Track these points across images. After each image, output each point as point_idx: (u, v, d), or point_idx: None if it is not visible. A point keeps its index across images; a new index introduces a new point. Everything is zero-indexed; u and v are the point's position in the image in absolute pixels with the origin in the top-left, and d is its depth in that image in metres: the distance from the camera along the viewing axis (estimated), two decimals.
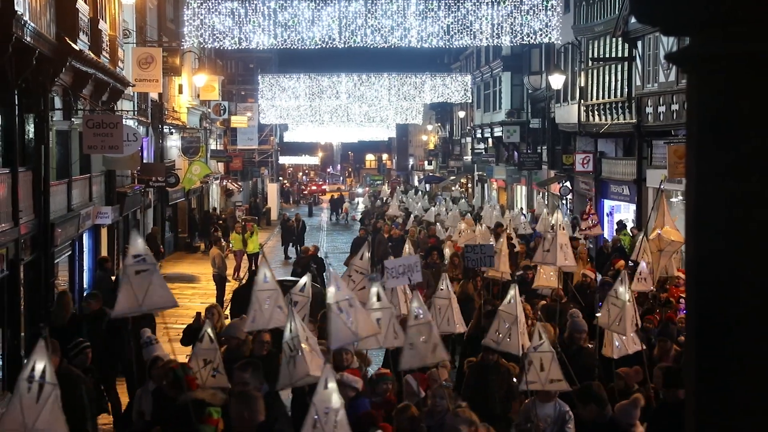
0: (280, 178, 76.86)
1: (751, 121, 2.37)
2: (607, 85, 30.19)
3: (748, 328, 2.38)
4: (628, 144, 29.56)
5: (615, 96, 29.20)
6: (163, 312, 10.88)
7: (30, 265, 17.77)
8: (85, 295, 11.13)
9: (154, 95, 32.48)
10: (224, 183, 51.68)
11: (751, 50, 2.35)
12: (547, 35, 28.87)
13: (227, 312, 16.77)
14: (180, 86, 39.04)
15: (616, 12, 27.88)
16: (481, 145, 55.28)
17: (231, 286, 28.63)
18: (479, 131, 54.25)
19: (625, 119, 27.97)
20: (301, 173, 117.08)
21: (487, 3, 28.48)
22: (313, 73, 50.73)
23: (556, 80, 32.92)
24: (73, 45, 19.02)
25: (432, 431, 8.38)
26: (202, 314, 12.91)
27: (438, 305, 10.81)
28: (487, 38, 29.26)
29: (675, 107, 24.01)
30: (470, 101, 53.68)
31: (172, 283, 27.75)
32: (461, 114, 61.56)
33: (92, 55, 20.78)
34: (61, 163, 20.83)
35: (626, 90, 27.84)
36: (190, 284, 29.58)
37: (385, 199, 48.28)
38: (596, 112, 30.67)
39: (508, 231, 23.86)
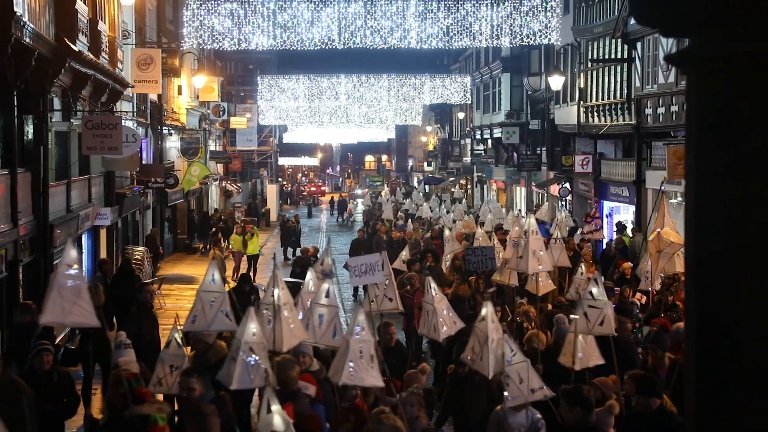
0: (280, 179, 76.88)
1: (750, 122, 2.37)
2: (606, 86, 30.19)
3: (747, 329, 2.38)
4: (627, 145, 29.56)
5: (614, 97, 29.20)
6: (162, 314, 10.89)
7: (29, 266, 17.77)
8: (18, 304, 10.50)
9: (153, 96, 32.48)
10: (223, 184, 51.68)
11: (750, 51, 2.35)
12: (546, 36, 28.89)
13: None
14: (179, 87, 39.04)
15: (616, 13, 27.88)
16: (481, 147, 55.29)
17: (229, 287, 28.62)
18: (479, 132, 54.25)
19: (624, 120, 27.97)
20: (300, 174, 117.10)
21: (487, 4, 28.50)
22: (313, 74, 50.74)
23: (556, 81, 32.93)
24: (73, 46, 19.02)
25: None
26: None
27: (425, 310, 10.68)
28: (486, 39, 29.27)
29: (674, 108, 24.01)
30: (470, 102, 53.68)
31: (172, 285, 27.85)
32: (461, 115, 61.57)
33: (91, 56, 20.78)
34: (60, 164, 20.83)
35: (625, 91, 27.84)
36: (189, 285, 29.55)
37: (386, 200, 48.27)
38: (596, 114, 30.67)
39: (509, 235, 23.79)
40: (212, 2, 28.44)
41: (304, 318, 9.10)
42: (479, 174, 57.29)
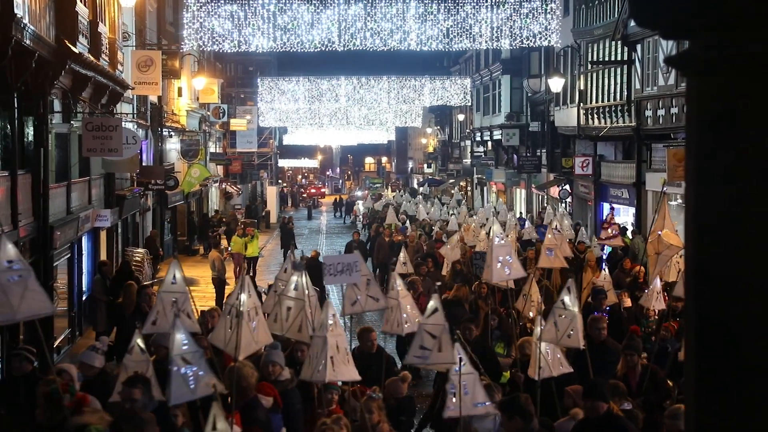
0: (280, 181, 76.89)
1: (750, 123, 2.38)
2: (606, 88, 30.21)
3: (747, 329, 2.39)
4: (627, 147, 29.58)
5: (614, 99, 29.21)
6: None
7: None
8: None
9: (153, 98, 32.49)
10: (223, 186, 51.69)
11: (750, 52, 2.35)
12: (546, 38, 28.90)
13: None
14: (179, 89, 39.06)
15: (616, 15, 27.90)
16: (481, 148, 55.32)
17: (230, 289, 28.63)
18: (478, 134, 54.27)
19: (624, 122, 27.99)
20: (300, 176, 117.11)
21: (487, 6, 28.51)
22: (313, 76, 50.78)
23: (556, 83, 32.94)
24: (73, 48, 19.03)
25: None
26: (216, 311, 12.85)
27: (389, 306, 10.44)
28: (486, 41, 29.29)
29: (674, 110, 24.03)
30: (470, 104, 53.71)
31: None
32: (460, 117, 61.60)
33: (92, 58, 20.79)
34: (61, 165, 20.83)
35: (625, 93, 27.86)
36: (189, 287, 29.52)
37: (389, 203, 48.20)
38: (595, 116, 30.69)
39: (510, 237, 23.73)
40: (212, 4, 28.45)
41: (272, 312, 8.94)
42: (479, 176, 57.32)
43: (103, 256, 24.43)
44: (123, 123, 22.65)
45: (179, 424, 7.95)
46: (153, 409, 8.26)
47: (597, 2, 30.66)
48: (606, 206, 31.62)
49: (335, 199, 73.07)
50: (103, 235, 24.98)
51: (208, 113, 46.39)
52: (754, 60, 2.36)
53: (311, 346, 8.06)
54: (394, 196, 51.04)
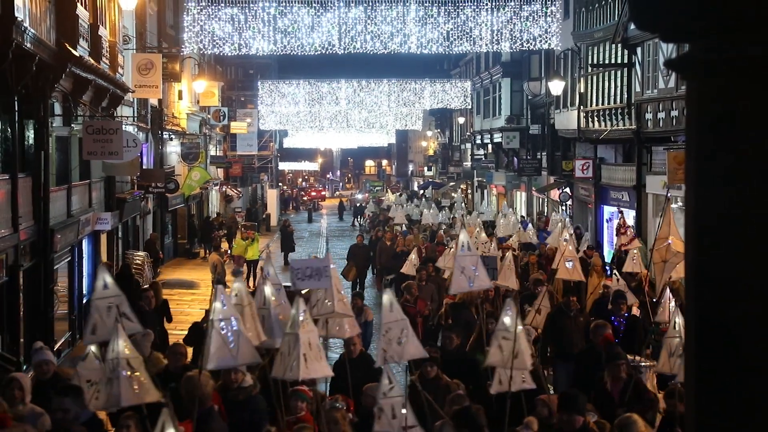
0: (280, 184, 76.89)
1: (750, 125, 2.39)
2: (606, 91, 30.22)
3: (747, 330, 2.40)
4: (627, 150, 29.58)
5: (614, 102, 29.22)
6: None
7: (29, 271, 17.77)
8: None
9: (153, 101, 32.52)
10: (224, 189, 51.70)
11: (749, 55, 2.36)
12: (546, 41, 28.91)
13: None
14: (180, 92, 39.08)
15: (616, 18, 27.91)
16: (481, 151, 55.32)
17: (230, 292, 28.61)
18: (479, 137, 54.29)
19: (624, 125, 27.99)
20: (300, 179, 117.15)
21: (487, 9, 28.52)
22: (313, 79, 50.79)
23: (556, 86, 32.95)
24: (73, 51, 19.04)
25: None
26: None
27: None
28: (486, 44, 29.30)
29: (674, 113, 24.03)
30: (470, 107, 53.73)
31: (172, 289, 27.80)
32: (461, 120, 61.61)
33: (92, 61, 20.80)
34: (61, 169, 20.84)
35: (626, 96, 27.86)
36: (190, 290, 29.57)
37: (396, 204, 48.08)
38: (596, 118, 30.69)
39: (511, 242, 23.57)
40: (213, 7, 28.47)
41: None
42: (479, 179, 57.33)
43: (104, 260, 24.44)
44: (123, 126, 22.66)
45: None
46: (86, 419, 8.13)
47: (597, 5, 30.68)
48: (607, 209, 31.62)
49: (339, 201, 73.03)
50: (103, 238, 24.99)
51: (209, 116, 46.41)
52: (753, 62, 2.37)
53: (282, 344, 7.88)
54: (395, 199, 51.00)
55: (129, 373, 7.29)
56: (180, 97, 39.30)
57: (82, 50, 20.25)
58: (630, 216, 29.07)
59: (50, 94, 18.73)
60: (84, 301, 22.28)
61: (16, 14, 15.17)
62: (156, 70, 28.19)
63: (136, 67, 27.93)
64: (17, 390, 8.86)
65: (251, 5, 28.41)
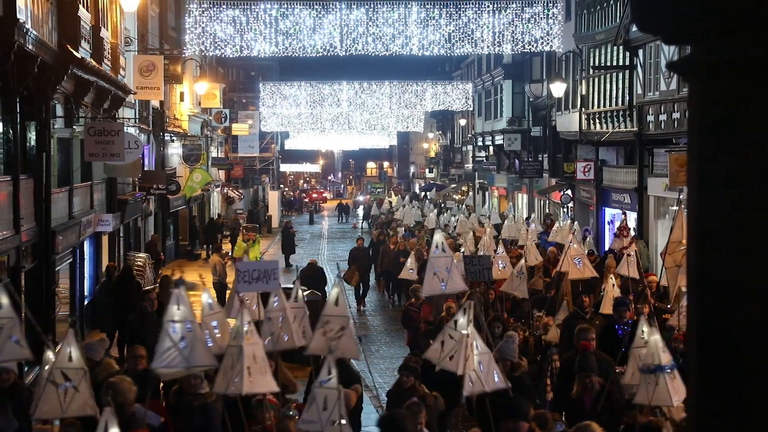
0: (281, 186, 76.89)
1: (751, 127, 2.39)
2: (608, 93, 30.21)
3: (748, 333, 2.40)
4: (629, 152, 29.57)
5: (616, 104, 29.21)
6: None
7: (31, 273, 17.77)
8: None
9: (155, 103, 32.53)
10: (225, 191, 51.72)
11: (751, 57, 2.36)
12: (548, 43, 28.92)
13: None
14: (181, 94, 39.09)
15: (617, 20, 27.91)
16: (482, 153, 55.30)
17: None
18: (480, 139, 54.27)
19: (626, 127, 27.99)
20: (302, 181, 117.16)
21: (489, 11, 28.54)
22: (315, 81, 50.81)
23: (557, 88, 32.94)
24: (75, 53, 19.05)
25: None
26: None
27: (285, 317, 9.45)
28: (488, 46, 29.31)
29: (676, 115, 24.02)
30: (471, 109, 53.72)
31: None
32: (462, 122, 61.60)
33: (94, 63, 20.82)
34: (63, 170, 20.85)
35: (627, 98, 27.85)
36: (191, 292, 29.51)
37: (391, 208, 47.92)
38: (597, 121, 30.69)
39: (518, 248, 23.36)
40: (214, 9, 28.49)
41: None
42: (481, 181, 57.31)
43: (105, 261, 24.45)
44: (125, 128, 22.67)
45: None
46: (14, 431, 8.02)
47: (599, 7, 30.68)
48: (608, 211, 31.61)
49: (338, 203, 73.05)
50: (105, 239, 24.99)
51: (210, 118, 46.44)
52: (755, 64, 2.37)
53: (225, 357, 7.65)
54: (397, 201, 50.96)
55: (64, 383, 7.19)
56: (181, 99, 39.32)
57: (83, 52, 20.26)
58: (632, 218, 29.07)
59: (52, 95, 18.73)
60: (85, 302, 22.29)
61: (18, 16, 15.18)
62: (157, 72, 28.20)
63: (138, 69, 27.94)
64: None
65: (253, 7, 28.44)
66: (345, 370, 10.72)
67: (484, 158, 54.97)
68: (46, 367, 7.23)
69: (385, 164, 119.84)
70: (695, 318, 2.53)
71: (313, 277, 23.33)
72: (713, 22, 2.40)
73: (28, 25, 15.88)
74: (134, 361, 10.38)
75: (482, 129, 53.76)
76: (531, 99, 43.30)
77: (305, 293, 19.08)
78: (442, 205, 50.02)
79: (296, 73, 67.71)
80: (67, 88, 19.81)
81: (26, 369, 10.06)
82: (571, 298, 17.39)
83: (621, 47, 27.80)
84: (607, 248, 27.85)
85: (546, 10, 28.48)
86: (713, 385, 2.45)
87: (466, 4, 28.58)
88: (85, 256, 22.98)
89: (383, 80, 49.57)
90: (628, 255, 17.34)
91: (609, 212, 31.75)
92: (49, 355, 8.43)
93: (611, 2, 29.35)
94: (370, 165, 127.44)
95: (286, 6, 28.49)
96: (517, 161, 45.21)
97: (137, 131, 27.94)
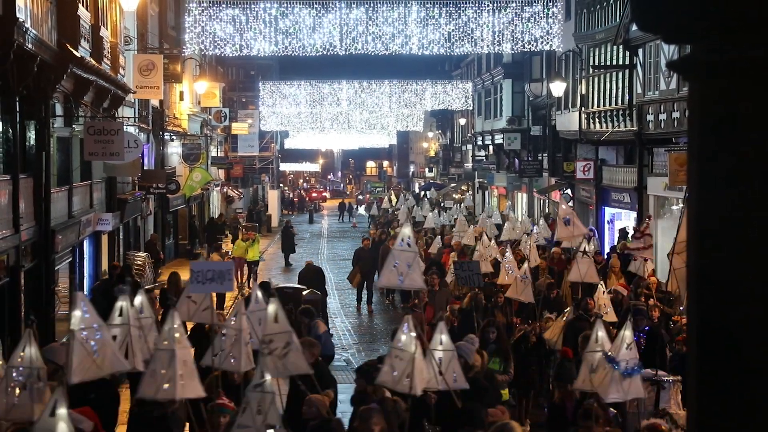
0: (281, 185, 76.88)
1: (751, 126, 2.39)
2: (607, 92, 30.21)
3: (748, 332, 2.39)
4: (628, 151, 29.57)
5: (616, 103, 29.21)
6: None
7: (30, 272, 17.77)
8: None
9: (155, 102, 32.52)
10: (225, 190, 51.72)
11: (751, 56, 2.36)
12: (548, 43, 28.91)
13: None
14: (181, 93, 39.08)
15: (617, 20, 27.91)
16: (482, 153, 55.31)
17: (231, 294, 28.59)
18: (480, 138, 54.28)
19: (626, 127, 27.99)
20: (301, 180, 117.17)
21: (489, 10, 28.52)
22: (314, 80, 50.80)
23: (557, 88, 32.94)
24: (75, 52, 19.05)
25: None
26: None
27: (228, 335, 9.06)
28: (488, 46, 29.29)
29: (676, 115, 24.02)
30: (471, 108, 53.73)
31: None
32: (462, 121, 61.61)
33: (93, 62, 20.81)
34: (62, 169, 20.85)
35: (627, 97, 27.86)
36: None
37: (391, 209, 47.84)
38: (597, 120, 30.69)
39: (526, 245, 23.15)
40: (214, 8, 28.48)
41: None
42: (480, 180, 57.33)
43: (105, 260, 24.45)
44: (124, 127, 22.66)
45: None
46: None
47: (598, 6, 30.68)
48: (608, 210, 31.61)
49: (340, 202, 73.03)
50: (104, 238, 24.99)
51: (210, 117, 46.43)
52: (755, 63, 2.36)
53: (153, 360, 7.47)
54: (398, 201, 50.93)
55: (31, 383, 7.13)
56: (181, 98, 39.31)
57: (83, 51, 20.25)
58: (631, 218, 29.06)
59: (51, 94, 18.73)
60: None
61: (18, 15, 15.17)
62: (157, 71, 28.20)
63: (138, 68, 27.94)
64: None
65: (252, 6, 28.42)
66: (320, 375, 10.54)
67: (483, 157, 54.98)
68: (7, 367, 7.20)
69: (385, 163, 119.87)
70: (695, 318, 2.53)
71: (312, 277, 23.32)
72: (713, 22, 2.40)
73: (28, 24, 15.88)
74: None
75: (482, 128, 53.76)
76: (531, 98, 43.30)
77: (305, 292, 19.23)
78: (442, 204, 50.00)
79: (296, 72, 67.75)
80: (66, 87, 19.80)
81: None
82: (571, 298, 17.37)
83: (621, 46, 27.80)
84: (608, 248, 27.87)
85: (546, 10, 28.47)
86: (713, 385, 2.45)
87: (466, 3, 28.57)
88: (85, 256, 22.97)
89: (383, 79, 49.56)
90: (645, 260, 17.01)
91: (609, 211, 31.76)
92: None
93: (611, 1, 29.35)
94: (370, 164, 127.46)
95: (285, 5, 28.48)
96: (516, 160, 45.21)
97: (137, 130, 27.92)
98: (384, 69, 58.30)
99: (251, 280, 31.68)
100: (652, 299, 15.05)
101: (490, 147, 51.86)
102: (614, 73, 29.55)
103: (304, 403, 9.02)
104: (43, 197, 18.23)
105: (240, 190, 55.69)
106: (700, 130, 2.50)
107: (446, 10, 28.59)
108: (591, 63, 31.63)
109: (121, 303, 8.35)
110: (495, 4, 28.53)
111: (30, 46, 15.86)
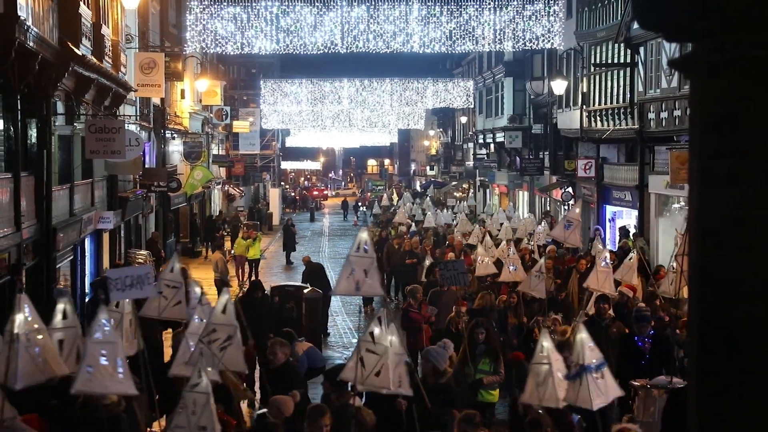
0: (282, 183, 76.88)
1: (753, 125, 2.39)
2: (609, 90, 30.20)
3: (749, 331, 2.39)
4: (630, 150, 29.56)
5: (617, 102, 29.20)
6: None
7: (32, 270, 17.78)
8: None
9: (156, 100, 32.52)
10: (226, 188, 51.73)
11: (753, 55, 2.36)
12: (549, 41, 28.89)
13: None
14: (182, 91, 39.09)
15: (619, 18, 27.89)
16: (483, 151, 55.31)
17: (233, 291, 28.63)
18: (481, 137, 54.27)
19: (627, 125, 27.98)
20: (303, 178, 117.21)
21: (490, 8, 28.51)
22: (315, 78, 50.80)
23: (558, 86, 32.92)
24: (76, 50, 19.05)
25: None
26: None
27: (197, 345, 8.79)
28: (489, 44, 29.28)
29: (677, 113, 24.01)
30: (472, 107, 53.72)
31: None
32: (463, 119, 61.60)
33: (95, 60, 20.82)
34: (63, 167, 20.85)
35: (628, 96, 27.84)
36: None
37: (392, 207, 47.80)
38: (598, 118, 30.68)
39: (529, 245, 23.05)
40: (215, 6, 28.47)
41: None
42: (482, 178, 57.33)
43: (106, 258, 24.46)
44: (126, 125, 22.67)
45: None
46: None
47: (600, 5, 30.66)
48: (609, 209, 31.59)
49: (343, 200, 73.01)
50: (105, 237, 25.00)
51: (211, 115, 46.43)
52: (757, 62, 2.36)
53: (85, 356, 7.23)
54: (399, 199, 50.92)
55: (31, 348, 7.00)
56: (182, 96, 39.31)
57: (84, 49, 20.25)
58: (632, 216, 29.07)
59: (53, 92, 18.73)
60: (86, 299, 22.30)
61: (19, 13, 15.18)
62: (158, 69, 28.19)
63: (139, 66, 27.94)
64: None
65: (254, 4, 28.42)
66: (290, 376, 10.48)
67: (485, 156, 54.98)
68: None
69: (386, 162, 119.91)
70: (696, 316, 2.53)
71: (314, 274, 23.30)
72: (715, 20, 2.40)
73: (29, 23, 15.88)
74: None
75: (483, 126, 53.76)
76: (532, 96, 43.29)
77: (306, 291, 19.22)
78: (444, 202, 49.97)
79: (297, 70, 67.81)
80: (68, 85, 19.80)
81: None
82: (577, 297, 17.20)
83: (622, 44, 27.78)
84: (609, 245, 27.85)
85: (547, 8, 28.45)
86: (713, 385, 2.45)
87: (467, 1, 28.56)
88: (86, 254, 22.98)
89: (384, 77, 49.55)
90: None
91: (610, 210, 31.76)
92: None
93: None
94: (371, 162, 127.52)
95: (287, 3, 28.48)
96: (518, 159, 45.21)
97: (138, 128, 27.92)
98: (385, 67, 58.35)
99: (252, 277, 31.72)
100: (659, 300, 14.72)
101: (492, 145, 51.86)
102: (615, 72, 29.54)
103: (269, 405, 8.84)
104: (44, 195, 18.23)
105: (241, 189, 55.71)
106: (702, 129, 2.50)
107: (447, 8, 28.58)
108: (592, 61, 31.62)
109: (63, 305, 8.05)
110: (496, 3, 28.53)
111: (31, 44, 15.86)
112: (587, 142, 32.87)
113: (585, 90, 32.32)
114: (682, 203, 23.99)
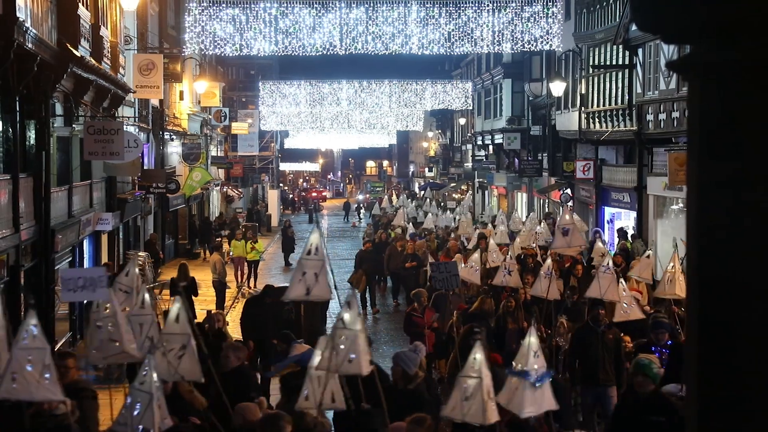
0: (281, 185, 76.85)
1: (752, 127, 2.39)
2: (607, 92, 30.22)
3: (748, 332, 2.39)
4: (628, 151, 29.57)
5: (615, 103, 29.22)
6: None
7: (30, 271, 17.78)
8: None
9: (155, 101, 32.53)
10: (225, 189, 51.71)
11: (751, 57, 2.36)
12: (547, 42, 28.89)
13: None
14: (181, 93, 39.09)
15: (617, 20, 27.91)
16: (482, 152, 55.32)
17: (231, 293, 28.63)
18: (480, 138, 54.28)
19: (625, 126, 27.99)
20: (301, 180, 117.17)
21: (488, 10, 28.51)
22: (314, 80, 50.77)
23: (557, 87, 32.94)
24: (75, 51, 19.05)
25: None
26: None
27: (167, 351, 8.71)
28: (488, 45, 29.27)
29: (676, 114, 24.02)
30: (471, 108, 53.73)
31: None
32: (462, 121, 61.59)
33: (93, 62, 20.82)
34: (62, 169, 20.86)
35: (627, 97, 27.86)
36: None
37: (391, 208, 47.76)
38: (597, 120, 30.69)
39: (533, 246, 22.97)
40: (214, 8, 28.47)
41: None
42: (480, 180, 57.34)
43: (105, 260, 24.45)
44: (124, 126, 22.68)
45: None
46: None
47: (598, 6, 30.69)
48: (608, 210, 31.59)
49: (345, 202, 72.90)
50: (104, 238, 25.00)
51: (210, 117, 46.42)
52: (755, 64, 2.37)
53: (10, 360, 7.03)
54: (397, 201, 50.86)
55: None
56: (181, 98, 39.32)
57: (83, 50, 20.25)
58: (631, 217, 29.07)
59: (51, 94, 18.73)
60: (85, 301, 22.28)
61: (18, 14, 15.18)
62: (157, 71, 28.20)
63: (138, 68, 27.94)
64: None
65: (252, 6, 28.41)
66: (245, 381, 10.30)
67: (483, 157, 54.98)
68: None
69: (385, 163, 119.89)
70: (695, 317, 2.53)
71: None
72: (714, 22, 2.40)
73: (28, 24, 15.88)
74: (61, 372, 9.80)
75: (482, 128, 53.77)
76: (530, 98, 43.31)
77: None
78: (442, 204, 49.96)
79: (296, 71, 67.71)
80: (66, 86, 19.81)
81: None
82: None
83: (621, 46, 27.80)
84: (608, 247, 27.86)
85: (546, 9, 28.45)
86: (713, 384, 2.45)
87: (466, 3, 28.55)
88: (85, 255, 22.98)
89: (383, 79, 49.53)
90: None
91: (608, 211, 31.76)
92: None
93: (611, 1, 29.35)
94: (370, 164, 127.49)
95: (285, 5, 28.47)
96: (516, 160, 45.22)
97: (137, 130, 27.93)
98: (384, 69, 58.34)
99: (251, 279, 31.72)
100: (674, 306, 14.15)
101: (490, 147, 51.87)
102: (614, 73, 29.55)
103: (235, 412, 8.62)
104: (43, 197, 18.23)
105: (240, 190, 55.70)
106: (700, 131, 2.50)
107: (446, 10, 28.58)
108: (591, 63, 31.63)
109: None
110: (495, 4, 28.52)
111: (30, 45, 15.86)
112: (586, 144, 32.88)
113: (583, 91, 32.33)
114: (681, 205, 24.00)
